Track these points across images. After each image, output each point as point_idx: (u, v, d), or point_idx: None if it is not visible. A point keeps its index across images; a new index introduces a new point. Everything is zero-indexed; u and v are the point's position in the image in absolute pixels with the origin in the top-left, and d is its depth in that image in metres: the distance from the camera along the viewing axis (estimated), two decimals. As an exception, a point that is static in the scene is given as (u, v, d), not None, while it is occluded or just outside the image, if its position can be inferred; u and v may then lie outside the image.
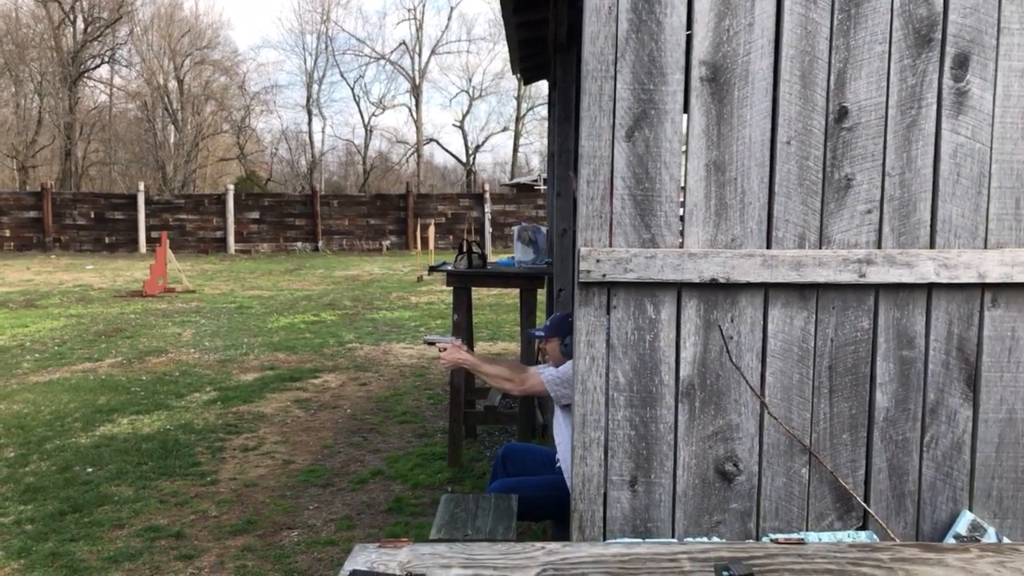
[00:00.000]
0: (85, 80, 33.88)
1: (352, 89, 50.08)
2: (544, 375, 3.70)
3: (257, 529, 4.47)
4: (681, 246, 2.44)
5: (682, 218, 2.46)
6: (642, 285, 2.44)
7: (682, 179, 2.44)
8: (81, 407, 6.94)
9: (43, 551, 4.17)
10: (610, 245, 2.43)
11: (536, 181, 27.03)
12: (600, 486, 2.48)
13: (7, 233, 22.59)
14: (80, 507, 4.74)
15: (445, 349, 3.78)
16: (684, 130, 2.42)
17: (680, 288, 2.45)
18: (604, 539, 2.48)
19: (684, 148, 2.43)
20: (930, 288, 2.48)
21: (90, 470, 5.39)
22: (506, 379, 3.74)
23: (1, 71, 32.16)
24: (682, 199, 2.45)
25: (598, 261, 2.40)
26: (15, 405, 7.00)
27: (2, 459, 5.61)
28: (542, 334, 3.91)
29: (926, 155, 2.45)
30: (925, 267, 2.44)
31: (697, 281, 2.42)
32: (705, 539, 2.46)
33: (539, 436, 5.58)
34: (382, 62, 40.06)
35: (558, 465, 3.73)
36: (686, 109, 2.42)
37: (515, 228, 6.64)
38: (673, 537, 2.48)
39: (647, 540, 2.44)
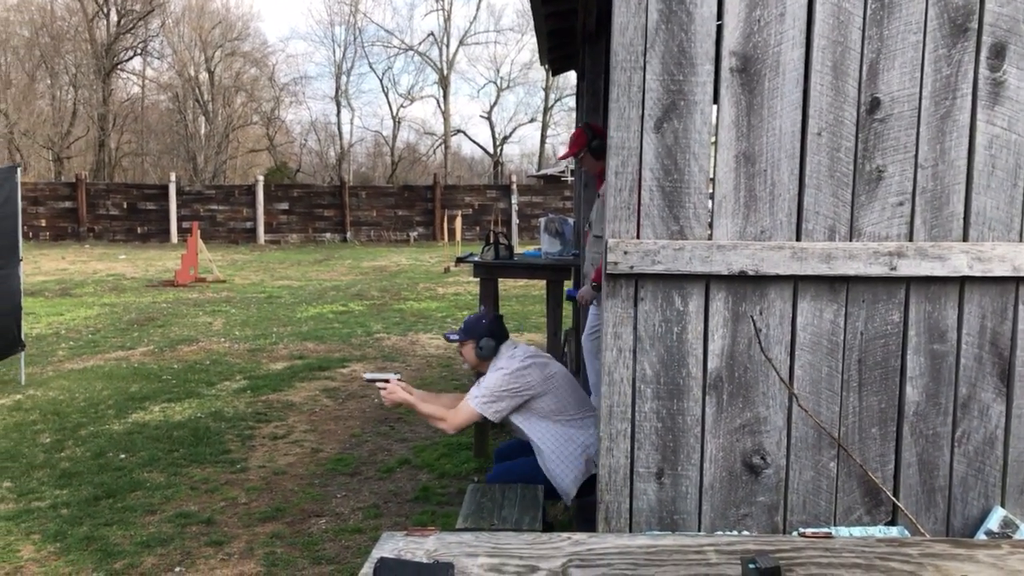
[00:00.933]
0: (118, 72, 34.32)
1: (380, 80, 50.24)
2: (471, 400, 3.59)
3: (286, 516, 4.53)
4: (710, 238, 2.43)
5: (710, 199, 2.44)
6: (670, 277, 2.43)
7: (711, 171, 2.43)
8: (114, 394, 7.06)
9: (78, 535, 4.25)
10: (638, 237, 2.42)
11: (563, 172, 26.95)
12: (627, 478, 2.49)
13: (43, 223, 22.98)
14: (113, 492, 4.83)
15: (384, 388, 3.58)
16: (714, 121, 2.41)
17: (708, 280, 2.44)
18: (630, 531, 2.48)
19: (713, 139, 2.42)
20: (963, 281, 2.45)
21: (123, 456, 5.48)
22: (439, 419, 3.61)
23: (37, 64, 32.67)
24: (711, 191, 2.43)
25: (626, 253, 2.39)
26: (51, 392, 7.14)
27: (39, 444, 5.73)
28: (456, 338, 3.81)
29: (960, 146, 2.42)
30: (958, 260, 2.41)
31: (726, 273, 2.41)
32: (734, 533, 2.46)
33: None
34: (410, 53, 40.13)
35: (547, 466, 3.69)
36: (716, 100, 2.41)
37: (542, 220, 6.65)
38: (700, 529, 2.48)
39: (674, 533, 2.44)
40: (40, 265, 17.12)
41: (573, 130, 5.21)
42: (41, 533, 4.29)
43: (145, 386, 7.36)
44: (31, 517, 4.49)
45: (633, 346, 2.45)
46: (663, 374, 2.46)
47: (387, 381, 3.59)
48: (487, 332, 3.77)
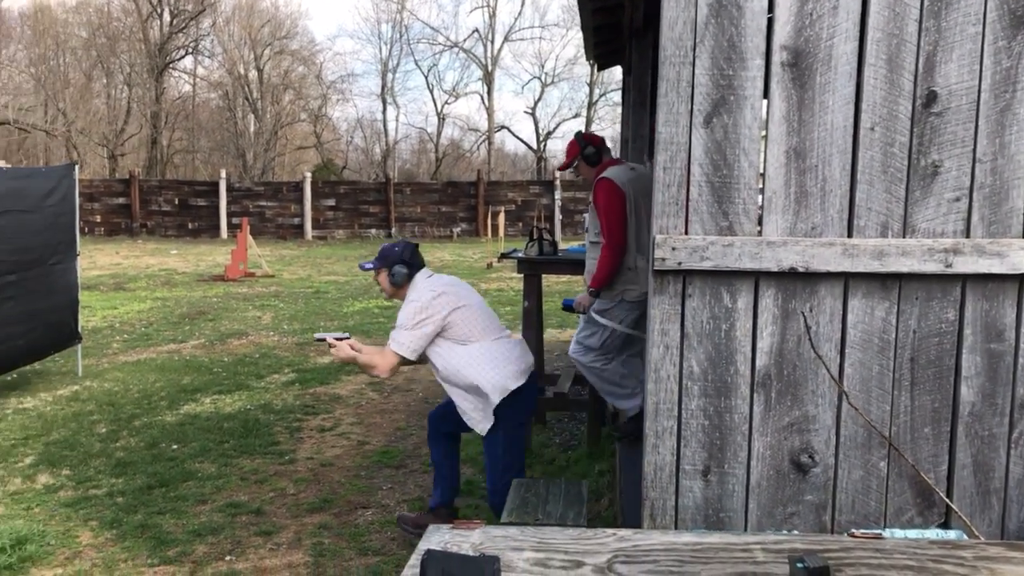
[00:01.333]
0: (170, 71, 35.01)
1: (426, 77, 50.53)
2: (391, 342, 3.66)
3: (333, 507, 4.60)
4: (759, 234, 2.41)
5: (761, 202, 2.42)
6: (719, 273, 2.41)
7: (761, 166, 2.40)
8: (167, 386, 7.23)
9: (133, 522, 4.37)
10: (686, 233, 2.41)
11: (607, 168, 26.75)
12: (672, 475, 2.48)
13: (98, 219, 23.56)
14: (166, 482, 4.95)
15: (334, 346, 3.68)
16: (764, 116, 2.38)
17: (758, 277, 2.41)
18: (676, 528, 2.47)
19: (763, 134, 2.39)
20: (1022, 279, 2.39)
21: (175, 447, 5.61)
22: (372, 366, 3.68)
23: (94, 64, 33.51)
24: (761, 186, 2.41)
25: (673, 249, 2.38)
26: (106, 383, 7.33)
27: (95, 434, 5.90)
28: (371, 266, 3.91)
29: (1020, 140, 2.36)
30: (1017, 257, 2.35)
31: (775, 270, 2.38)
32: (782, 532, 2.43)
33: (609, 423, 5.57)
34: (455, 50, 40.25)
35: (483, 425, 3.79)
36: (766, 95, 2.38)
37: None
38: (746, 528, 2.46)
39: (720, 531, 2.42)
40: (95, 260, 17.57)
41: (617, 125, 5.19)
42: (98, 520, 4.42)
43: (196, 378, 7.52)
44: (89, 504, 4.62)
45: (680, 343, 2.44)
46: (711, 371, 2.44)
47: (338, 340, 3.69)
48: (399, 259, 3.86)
